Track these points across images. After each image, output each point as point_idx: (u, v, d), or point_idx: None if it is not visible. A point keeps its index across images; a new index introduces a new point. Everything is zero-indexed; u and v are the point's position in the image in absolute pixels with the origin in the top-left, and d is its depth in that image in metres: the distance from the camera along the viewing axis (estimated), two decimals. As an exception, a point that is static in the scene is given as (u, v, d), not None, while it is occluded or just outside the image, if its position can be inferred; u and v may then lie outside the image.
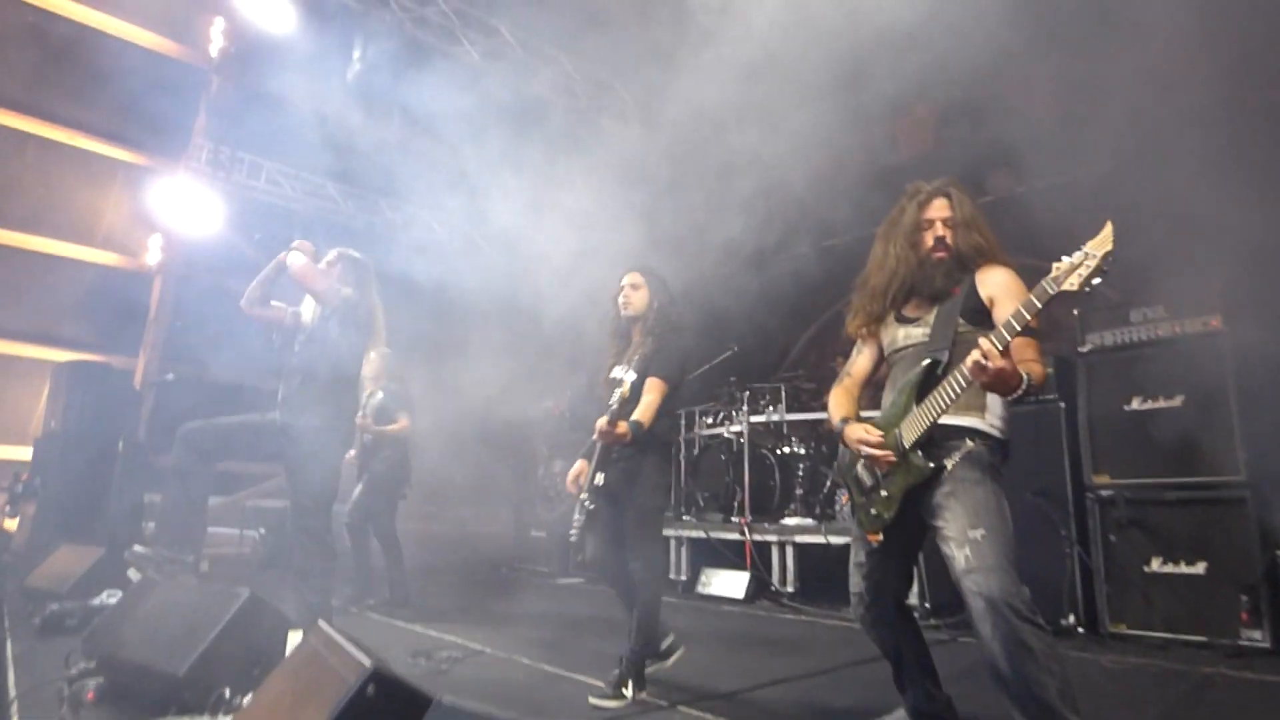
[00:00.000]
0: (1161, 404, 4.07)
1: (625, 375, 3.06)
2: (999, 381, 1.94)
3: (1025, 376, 1.96)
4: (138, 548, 3.45)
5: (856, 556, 2.50)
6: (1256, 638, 3.63)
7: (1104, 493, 4.18)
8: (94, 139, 7.17)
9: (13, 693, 2.81)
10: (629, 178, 7.06)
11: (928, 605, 4.55)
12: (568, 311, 5.11)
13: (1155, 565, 3.96)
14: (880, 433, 2.29)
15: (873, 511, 2.34)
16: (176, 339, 7.16)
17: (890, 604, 2.49)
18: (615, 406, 2.95)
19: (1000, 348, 1.91)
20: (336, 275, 3.73)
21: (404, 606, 4.90)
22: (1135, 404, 4.17)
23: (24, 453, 6.37)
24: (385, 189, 7.88)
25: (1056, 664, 1.92)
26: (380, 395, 5.21)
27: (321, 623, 2.10)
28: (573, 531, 3.10)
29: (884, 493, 2.30)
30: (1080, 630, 4.10)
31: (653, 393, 3.12)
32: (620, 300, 3.35)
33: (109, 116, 7.17)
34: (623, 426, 2.94)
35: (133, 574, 3.41)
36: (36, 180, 7.00)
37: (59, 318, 7.30)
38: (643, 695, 3.01)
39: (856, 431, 2.34)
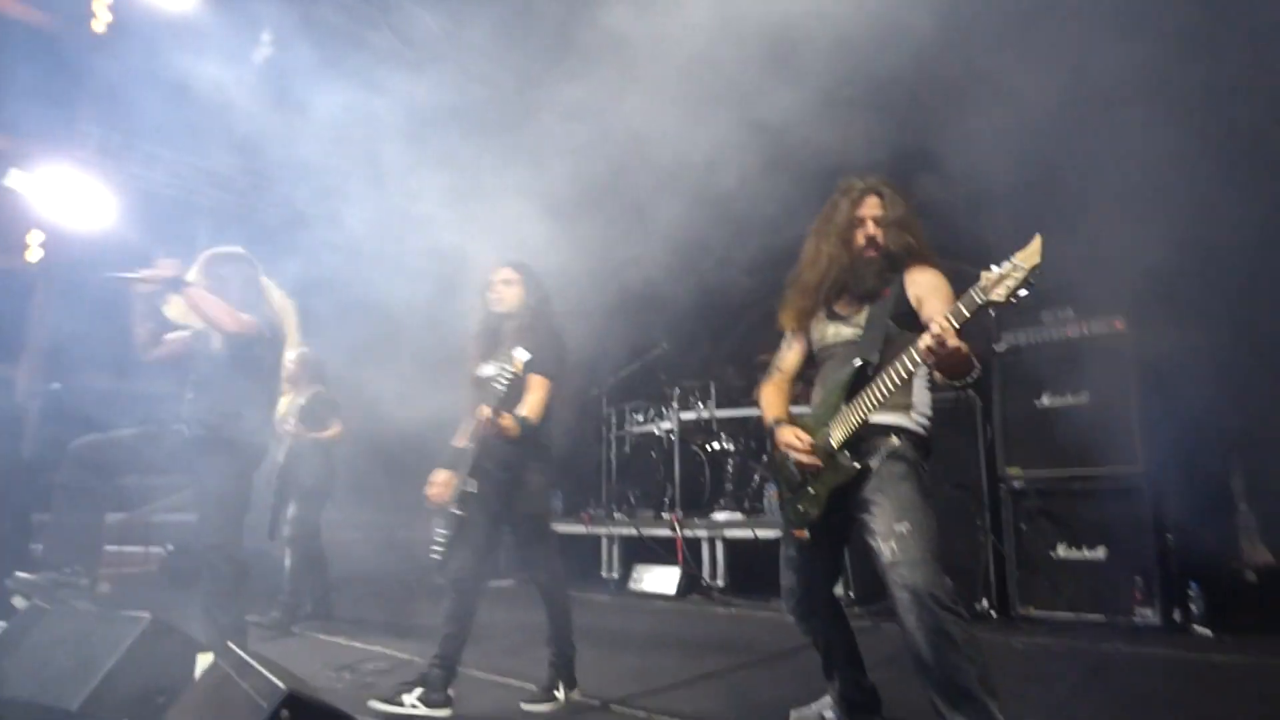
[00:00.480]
0: (1069, 400, 4.30)
1: (515, 354, 2.74)
2: (953, 363, 1.96)
3: (975, 361, 2.00)
4: (22, 574, 3.17)
5: (787, 551, 2.54)
6: (1149, 615, 3.92)
7: (1016, 484, 4.40)
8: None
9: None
10: (557, 176, 6.98)
11: (852, 594, 4.67)
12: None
13: (1061, 551, 4.19)
14: (809, 439, 2.32)
15: (800, 508, 2.38)
16: (65, 345, 6.63)
17: (819, 597, 2.55)
18: (503, 389, 2.70)
19: (956, 326, 1.92)
20: (215, 279, 3.38)
21: (328, 620, 4.71)
22: (1045, 400, 4.39)
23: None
24: (302, 183, 7.51)
25: (976, 652, 1.99)
26: (304, 401, 4.96)
27: (231, 645, 1.98)
28: (436, 548, 2.88)
29: (811, 490, 2.34)
30: (993, 614, 4.31)
31: (537, 390, 2.95)
32: (491, 295, 3.15)
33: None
34: (508, 419, 2.73)
35: (19, 602, 3.13)
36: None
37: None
38: (575, 695, 2.97)
39: (786, 435, 2.37)
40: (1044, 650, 3.70)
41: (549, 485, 3.17)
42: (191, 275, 3.40)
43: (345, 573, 5.86)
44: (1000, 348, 4.60)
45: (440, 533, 2.88)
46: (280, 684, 1.56)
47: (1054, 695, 2.99)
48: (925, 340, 1.95)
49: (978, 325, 4.72)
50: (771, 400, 2.57)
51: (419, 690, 2.81)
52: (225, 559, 3.26)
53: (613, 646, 4.12)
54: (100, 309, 6.30)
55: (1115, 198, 3.85)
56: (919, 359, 2.03)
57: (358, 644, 4.12)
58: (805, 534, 2.42)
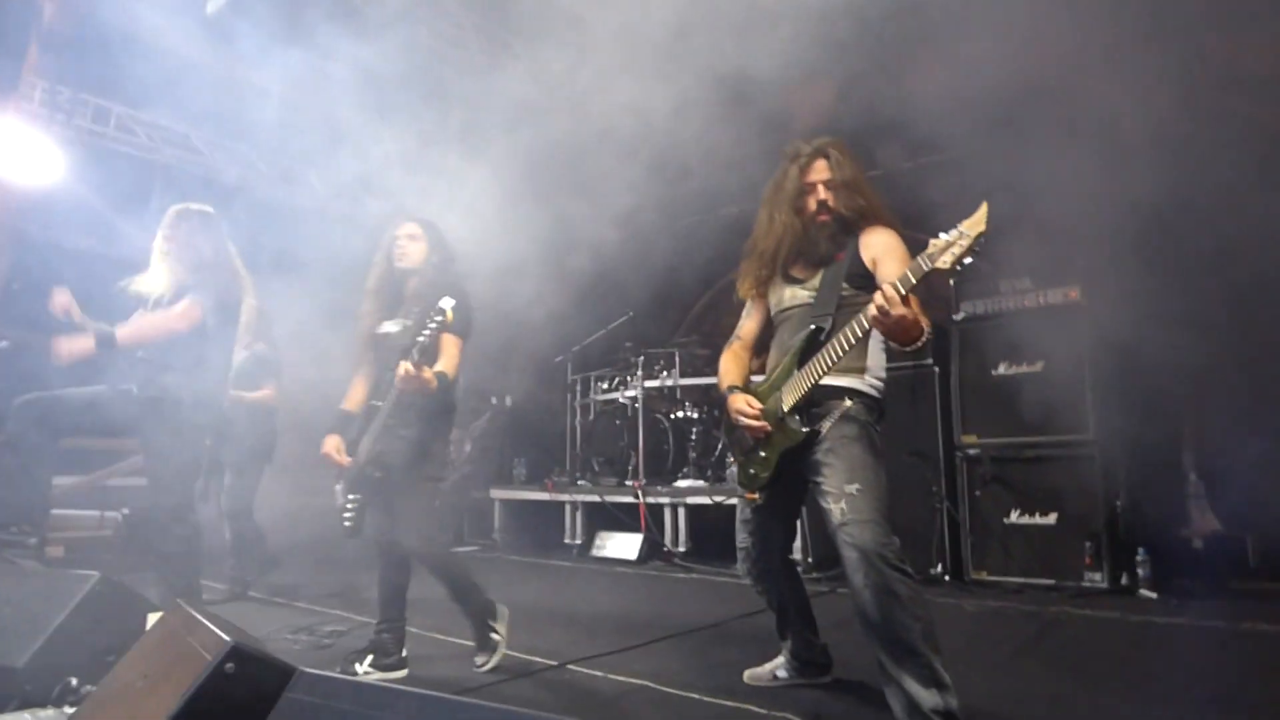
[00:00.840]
0: (1025, 369, 4.39)
1: (442, 303, 2.60)
2: (900, 329, 1.98)
3: (925, 326, 2.02)
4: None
5: (743, 514, 2.58)
6: (1097, 579, 4.04)
7: (971, 451, 4.49)
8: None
9: None
10: (523, 142, 6.87)
11: (810, 559, 4.76)
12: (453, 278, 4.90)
13: (1014, 517, 4.30)
14: (759, 406, 2.35)
15: (751, 471, 2.41)
16: (11, 303, 6.43)
17: (775, 558, 2.59)
18: (428, 336, 2.56)
19: (903, 293, 1.94)
20: (184, 234, 3.41)
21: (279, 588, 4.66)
22: (1002, 369, 4.47)
23: None
24: (259, 141, 7.31)
25: (921, 609, 2.04)
26: (243, 356, 4.77)
27: (180, 601, 1.96)
28: (347, 516, 2.77)
29: (762, 454, 2.37)
30: (946, 578, 4.42)
31: (451, 347, 2.84)
32: (395, 250, 3.02)
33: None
34: (428, 372, 2.60)
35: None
36: None
37: None
38: (503, 622, 2.96)
39: (738, 401, 2.40)
40: (994, 613, 3.81)
41: (446, 455, 3.02)
42: (161, 233, 3.44)
43: (300, 539, 5.82)
44: (959, 317, 4.68)
45: (350, 498, 2.79)
46: (225, 637, 1.54)
47: (1000, 654, 3.08)
48: (870, 308, 1.97)
49: (937, 295, 4.80)
50: (728, 367, 2.60)
51: (370, 656, 2.83)
52: (178, 521, 3.24)
53: (572, 610, 4.16)
54: (49, 264, 6.13)
55: (1072, 166, 3.90)
56: (866, 324, 2.05)
57: (318, 608, 4.10)
58: (756, 497, 2.46)
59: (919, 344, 2.09)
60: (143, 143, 6.81)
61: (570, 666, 2.92)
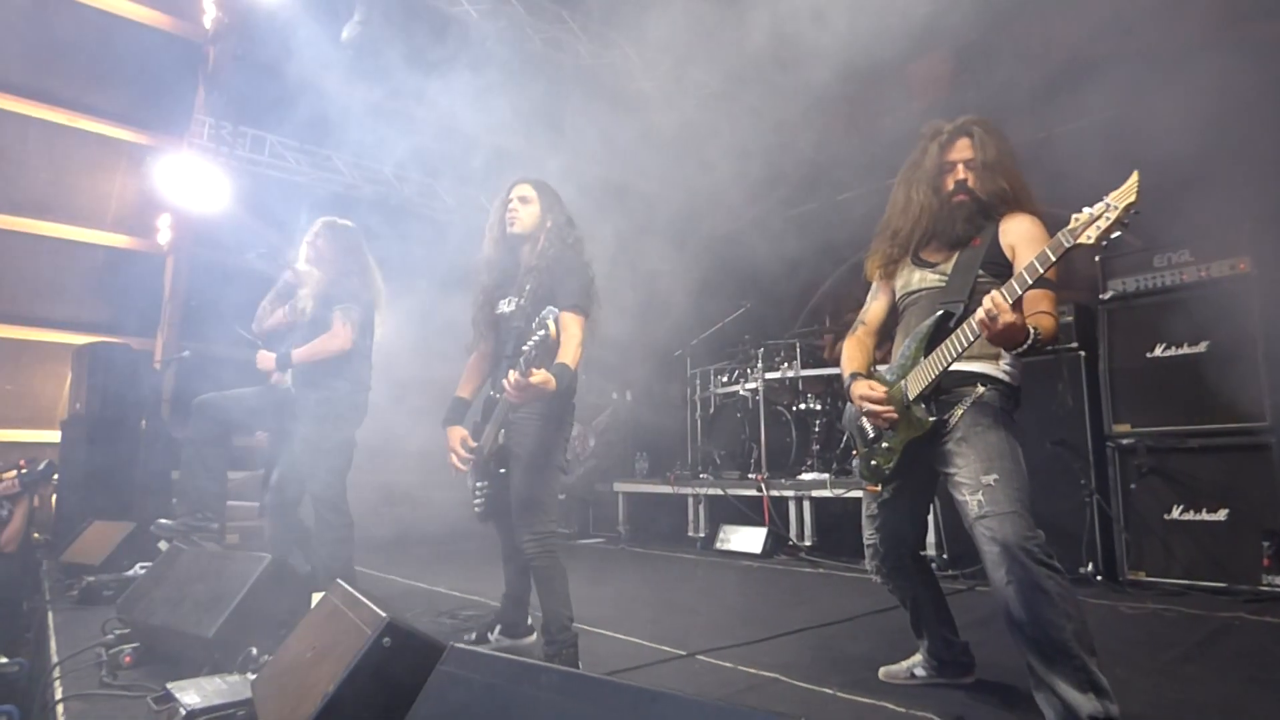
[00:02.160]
0: (1185, 350, 4.00)
1: (546, 314, 2.40)
2: (1005, 337, 1.88)
3: (1031, 331, 1.90)
4: (163, 520, 3.53)
5: (869, 509, 2.50)
6: (1278, 583, 3.61)
7: (1125, 442, 4.14)
8: (96, 120, 7.15)
9: (55, 659, 2.89)
10: (642, 137, 6.98)
11: (945, 556, 4.56)
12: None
13: (1175, 513, 3.94)
14: (884, 390, 2.26)
15: (873, 463, 2.34)
16: (192, 316, 7.20)
17: (904, 553, 2.50)
18: (531, 350, 2.36)
19: (1009, 301, 1.85)
20: (326, 245, 3.71)
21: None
22: (1158, 351, 4.10)
23: (53, 436, 6.48)
24: (392, 159, 7.81)
25: (1073, 607, 1.91)
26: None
27: (340, 581, 2.14)
28: (477, 501, 2.77)
29: (886, 445, 2.30)
30: (1098, 578, 4.10)
31: (573, 329, 2.58)
32: (507, 214, 2.81)
33: (109, 96, 7.14)
34: (541, 375, 2.37)
35: (162, 546, 3.49)
36: (42, 164, 7.00)
37: (75, 302, 7.35)
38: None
39: (861, 388, 2.31)
40: (1155, 615, 3.51)
41: (564, 442, 2.80)
42: (306, 240, 3.73)
43: (448, 530, 6.15)
44: (1106, 296, 4.32)
45: (479, 486, 2.79)
46: (382, 613, 1.67)
47: (1164, 659, 2.84)
48: (979, 314, 1.89)
49: (1080, 275, 4.47)
50: (851, 354, 2.51)
51: (499, 626, 3.02)
52: (332, 509, 3.52)
53: (697, 602, 4.19)
54: (220, 282, 6.81)
55: (1238, 125, 3.52)
56: (975, 329, 1.96)
57: (456, 593, 4.35)
58: (879, 489, 2.39)
59: (1024, 349, 1.93)
60: (291, 166, 7.42)
61: (699, 657, 2.94)
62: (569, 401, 2.78)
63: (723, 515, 6.16)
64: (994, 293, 1.87)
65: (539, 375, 2.36)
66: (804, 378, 6.27)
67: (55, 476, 5.41)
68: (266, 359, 3.49)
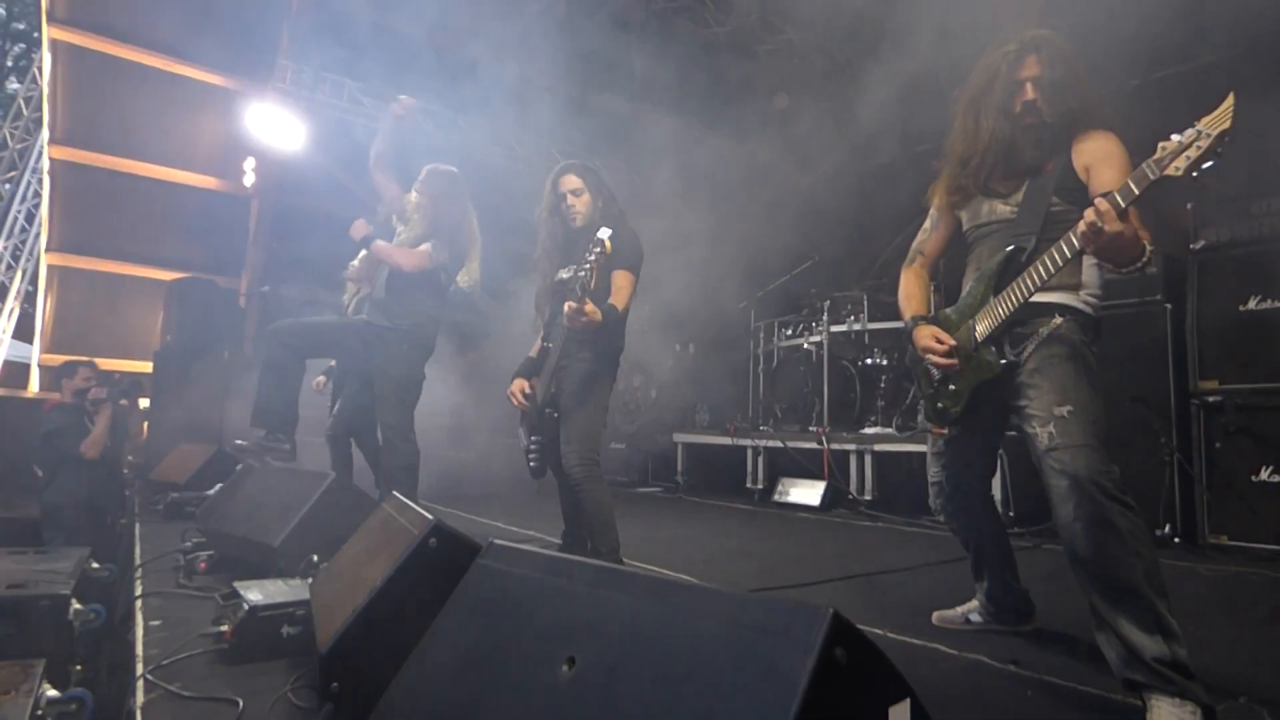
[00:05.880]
0: (1282, 302, 3.70)
1: (600, 234, 2.63)
2: (1115, 249, 1.72)
3: (1145, 244, 1.75)
4: (240, 441, 3.72)
5: (935, 446, 2.41)
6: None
7: (1211, 399, 3.88)
8: (187, 65, 7.40)
9: (138, 561, 3.11)
10: (722, 92, 6.81)
11: (1012, 514, 4.41)
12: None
13: (1264, 474, 3.68)
14: (948, 341, 2.15)
15: (939, 405, 2.25)
16: (274, 256, 7.49)
17: (971, 492, 2.40)
18: (586, 273, 2.58)
19: (1122, 206, 1.69)
20: (432, 189, 3.74)
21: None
22: (1252, 304, 3.81)
23: (146, 366, 6.87)
24: (461, 105, 7.84)
25: (1144, 546, 1.80)
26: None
27: (396, 493, 2.20)
28: (532, 456, 2.95)
29: (953, 387, 2.20)
30: (1176, 540, 3.90)
31: (623, 282, 2.87)
32: (566, 212, 3.05)
33: (202, 43, 7.37)
34: (592, 306, 2.61)
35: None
36: (142, 108, 7.30)
37: (168, 240, 7.72)
38: None
39: (923, 337, 2.20)
40: (1237, 578, 3.31)
41: (606, 399, 3.02)
42: (414, 186, 3.79)
43: (508, 474, 6.28)
44: (1197, 246, 4.01)
45: (534, 439, 2.95)
46: (429, 516, 1.72)
47: (1245, 619, 2.69)
48: (1081, 224, 1.73)
49: (1171, 223, 4.17)
50: (910, 291, 2.40)
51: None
52: (402, 438, 3.63)
53: (751, 548, 4.18)
54: (303, 226, 7.05)
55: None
56: (1077, 244, 1.81)
57: (514, 528, 4.46)
58: (945, 432, 2.30)
59: (1139, 266, 1.78)
60: (368, 112, 7.55)
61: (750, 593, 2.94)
62: (616, 348, 3.01)
63: (782, 468, 6.11)
64: (1099, 199, 1.71)
65: (590, 306, 2.59)
66: (871, 331, 6.10)
67: (144, 402, 5.72)
68: (361, 227, 3.60)
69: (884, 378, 5.90)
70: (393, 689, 1.26)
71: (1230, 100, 1.61)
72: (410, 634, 1.38)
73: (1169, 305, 4.08)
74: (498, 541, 1.40)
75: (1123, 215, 1.69)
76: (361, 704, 1.39)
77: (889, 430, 5.43)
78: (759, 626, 0.90)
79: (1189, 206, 4.05)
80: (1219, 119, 1.60)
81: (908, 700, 0.93)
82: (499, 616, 1.21)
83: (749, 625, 0.91)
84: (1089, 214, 1.71)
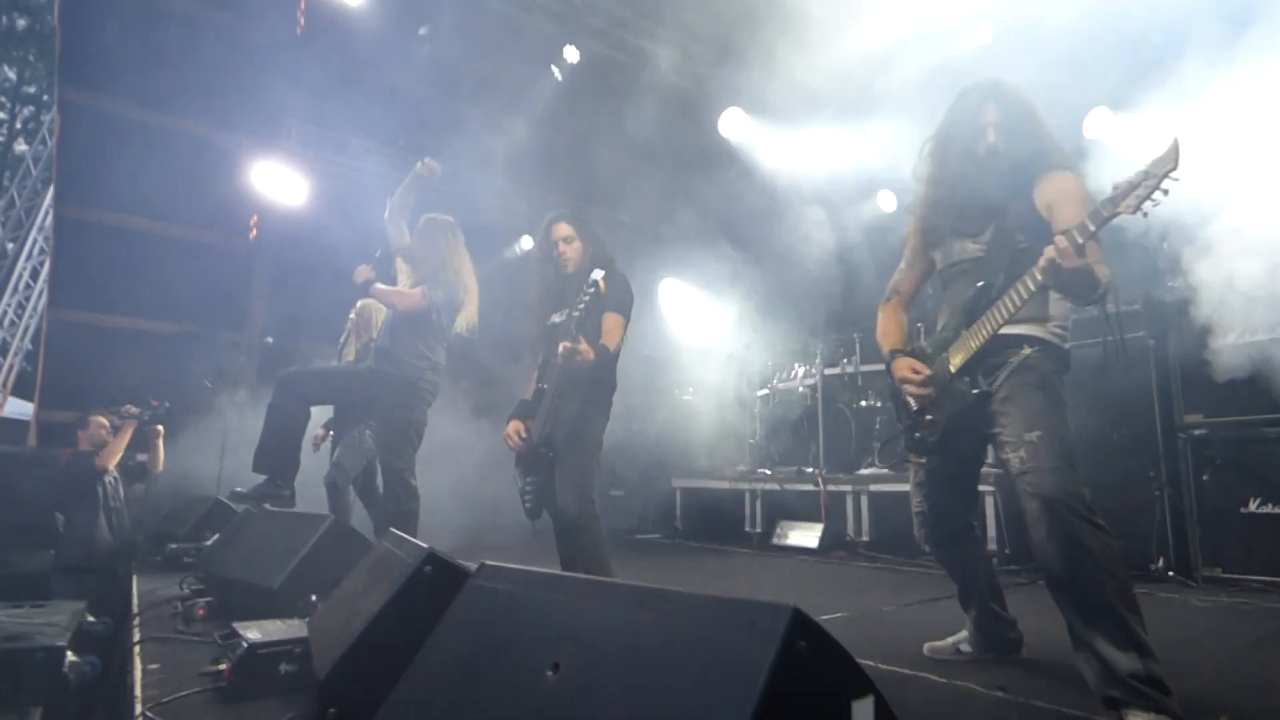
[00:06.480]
0: (1261, 336, 3.78)
1: (594, 274, 2.78)
2: (1074, 283, 1.86)
3: (1102, 279, 1.87)
4: (238, 489, 3.76)
5: (916, 476, 2.49)
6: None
7: (1197, 432, 3.95)
8: (193, 123, 7.61)
9: (136, 610, 3.13)
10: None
11: (1007, 551, 4.42)
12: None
13: (1253, 505, 3.72)
14: (924, 372, 2.26)
15: (917, 435, 2.34)
16: (275, 309, 7.61)
17: (952, 522, 2.47)
18: (580, 313, 2.69)
19: (1080, 242, 1.81)
20: (427, 239, 3.87)
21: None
22: (1232, 338, 3.90)
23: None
24: (462, 157, 8.06)
25: (1116, 565, 1.86)
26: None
27: (393, 529, 2.26)
28: (527, 498, 2.97)
29: (929, 417, 2.29)
30: (1170, 574, 3.91)
31: (614, 325, 2.96)
32: (559, 261, 3.13)
33: (206, 101, 7.58)
34: (584, 345, 2.69)
35: (238, 508, 3.73)
36: (144, 167, 7.44)
37: (169, 294, 7.77)
38: None
39: (901, 368, 2.32)
40: (1229, 609, 3.32)
41: (600, 437, 3.05)
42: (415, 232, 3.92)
43: (508, 520, 6.27)
44: (1177, 283, 4.13)
45: (528, 482, 2.98)
46: (424, 545, 1.78)
47: (1233, 645, 2.70)
48: (1041, 260, 1.87)
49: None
50: (887, 328, 2.53)
51: None
52: (402, 483, 3.68)
53: (749, 590, 4.19)
54: (305, 279, 7.20)
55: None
56: (1039, 278, 1.94)
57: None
58: (923, 460, 2.38)
59: (1097, 298, 1.93)
60: (373, 168, 7.77)
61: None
62: (609, 388, 3.07)
63: (780, 511, 6.12)
64: (1059, 236, 1.84)
65: (583, 344, 2.69)
66: (864, 373, 6.18)
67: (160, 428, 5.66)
68: (363, 272, 3.69)
69: (878, 419, 5.96)
70: (387, 707, 1.31)
71: (1175, 142, 1.74)
72: (406, 656, 1.42)
73: (1152, 341, 4.17)
74: (489, 563, 1.47)
75: (1080, 251, 1.81)
76: (359, 725, 1.43)
77: (885, 471, 5.47)
78: (727, 624, 0.96)
79: (1164, 245, 4.18)
80: (1165, 160, 1.73)
81: (871, 697, 0.99)
82: (489, 630, 1.27)
83: (718, 623, 0.97)
84: (1048, 251, 1.84)
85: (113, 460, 5.26)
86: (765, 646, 0.89)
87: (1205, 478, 3.87)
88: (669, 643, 1.00)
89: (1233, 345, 3.87)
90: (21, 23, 20.31)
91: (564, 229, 3.15)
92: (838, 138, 6.62)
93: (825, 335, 6.47)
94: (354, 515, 4.92)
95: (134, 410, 5.38)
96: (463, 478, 6.28)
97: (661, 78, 7.27)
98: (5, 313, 12.16)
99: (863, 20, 5.71)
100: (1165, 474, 3.99)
